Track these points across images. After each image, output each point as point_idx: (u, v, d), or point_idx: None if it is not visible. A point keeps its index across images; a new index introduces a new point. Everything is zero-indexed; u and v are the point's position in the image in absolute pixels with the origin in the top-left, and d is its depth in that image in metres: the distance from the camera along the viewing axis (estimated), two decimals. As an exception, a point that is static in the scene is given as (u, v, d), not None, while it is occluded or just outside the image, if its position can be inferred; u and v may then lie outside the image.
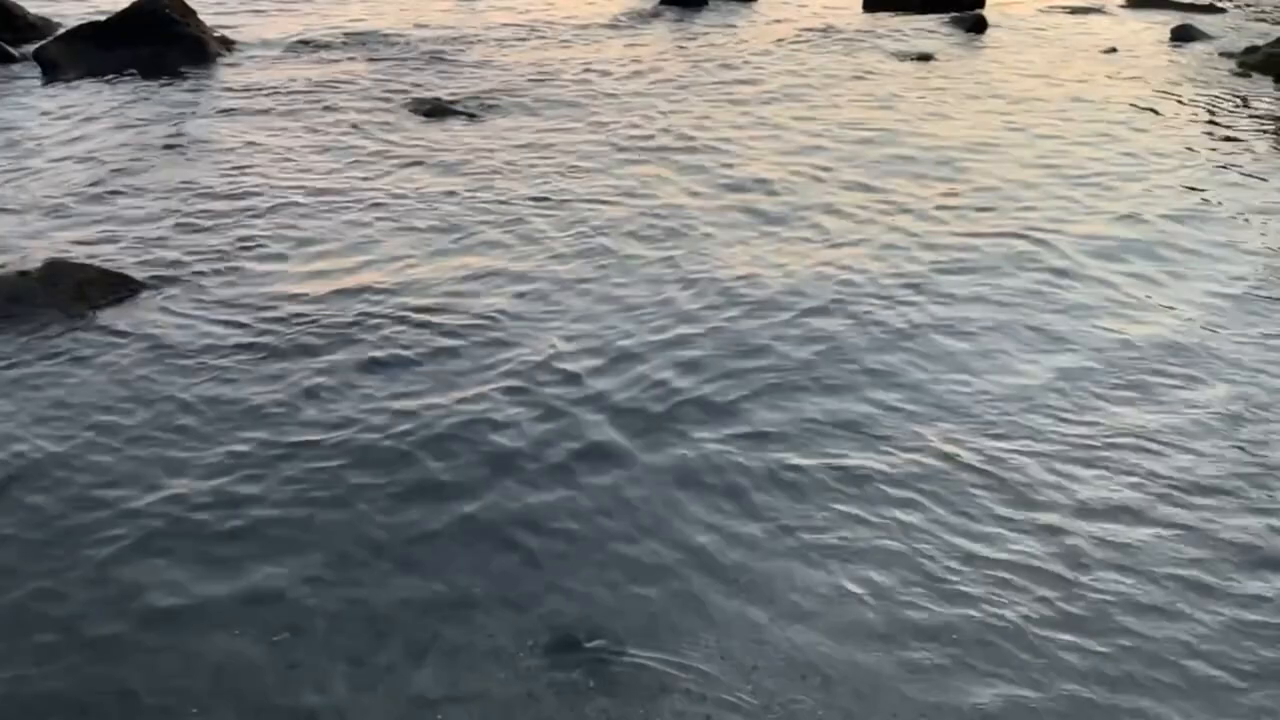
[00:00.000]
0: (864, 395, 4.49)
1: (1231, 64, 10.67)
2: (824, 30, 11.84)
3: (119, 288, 5.22)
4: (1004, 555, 3.58)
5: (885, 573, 3.46)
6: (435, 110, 8.53)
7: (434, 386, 4.45)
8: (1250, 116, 9.00)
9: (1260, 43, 11.09)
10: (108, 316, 5.00)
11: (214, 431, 4.09)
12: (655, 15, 12.61)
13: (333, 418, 4.20)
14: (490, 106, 8.71)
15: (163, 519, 3.61)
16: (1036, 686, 3.06)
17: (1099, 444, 4.19)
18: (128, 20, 9.99)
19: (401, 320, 5.00)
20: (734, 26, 11.96)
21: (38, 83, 9.25)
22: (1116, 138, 8.21)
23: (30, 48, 10.00)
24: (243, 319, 4.98)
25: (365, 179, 6.91)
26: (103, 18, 10.24)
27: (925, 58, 10.69)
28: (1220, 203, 6.93)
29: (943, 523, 3.71)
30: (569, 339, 4.86)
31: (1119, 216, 6.58)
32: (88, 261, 5.45)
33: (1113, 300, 5.49)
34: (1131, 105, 9.18)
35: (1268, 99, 9.53)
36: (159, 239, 5.89)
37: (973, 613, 3.31)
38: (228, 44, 10.66)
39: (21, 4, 11.16)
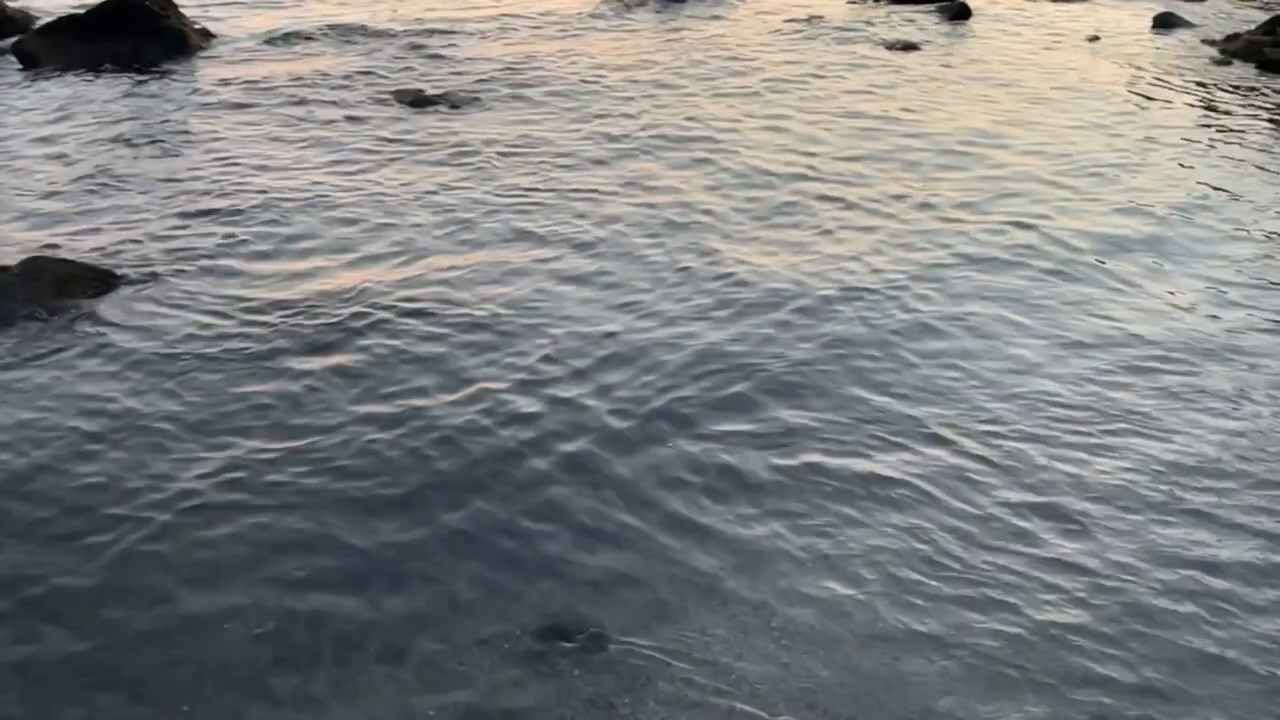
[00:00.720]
0: (858, 392, 4.45)
1: (1213, 51, 10.71)
2: (809, 20, 11.82)
3: (100, 283, 5.19)
4: (994, 552, 3.60)
5: (873, 566, 3.46)
6: (419, 102, 8.49)
7: (419, 382, 4.44)
8: (1235, 105, 9.05)
9: (1241, 30, 11.14)
10: (88, 312, 4.96)
11: (195, 431, 4.07)
12: (641, 4, 12.56)
13: (316, 416, 4.19)
14: (475, 98, 8.67)
15: (144, 519, 3.59)
16: (1020, 690, 3.09)
17: (1110, 441, 4.13)
18: (108, 13, 9.90)
19: (387, 317, 4.96)
20: (719, 18, 11.93)
21: (16, 76, 9.16)
22: (1106, 127, 8.23)
23: (8, 41, 9.90)
24: (225, 315, 4.96)
25: (349, 173, 6.87)
26: (82, 10, 10.14)
27: (912, 47, 10.70)
28: (1214, 190, 6.97)
29: (935, 519, 3.69)
30: (557, 335, 4.85)
31: (1117, 207, 6.58)
32: (68, 257, 5.41)
33: (1117, 292, 5.45)
34: (1118, 94, 9.20)
35: (1250, 86, 9.58)
36: (140, 234, 5.85)
37: (961, 608, 3.33)
38: (209, 36, 10.58)
39: (-2, -3, 11.06)
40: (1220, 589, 3.41)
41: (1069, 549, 3.56)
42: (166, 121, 7.92)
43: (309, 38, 10.72)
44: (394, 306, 5.05)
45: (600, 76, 9.35)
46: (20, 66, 9.41)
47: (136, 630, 3.15)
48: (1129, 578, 3.45)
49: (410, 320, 4.93)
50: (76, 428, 4.07)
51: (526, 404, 4.28)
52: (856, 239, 6.05)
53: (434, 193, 6.53)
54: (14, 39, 9.91)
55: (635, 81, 9.20)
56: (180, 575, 3.36)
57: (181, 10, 10.50)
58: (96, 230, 5.89)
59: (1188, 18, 12.09)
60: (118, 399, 4.26)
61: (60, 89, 8.76)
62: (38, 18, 10.83)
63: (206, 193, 6.47)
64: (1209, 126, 8.41)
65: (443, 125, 7.94)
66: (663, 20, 11.79)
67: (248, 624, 3.17)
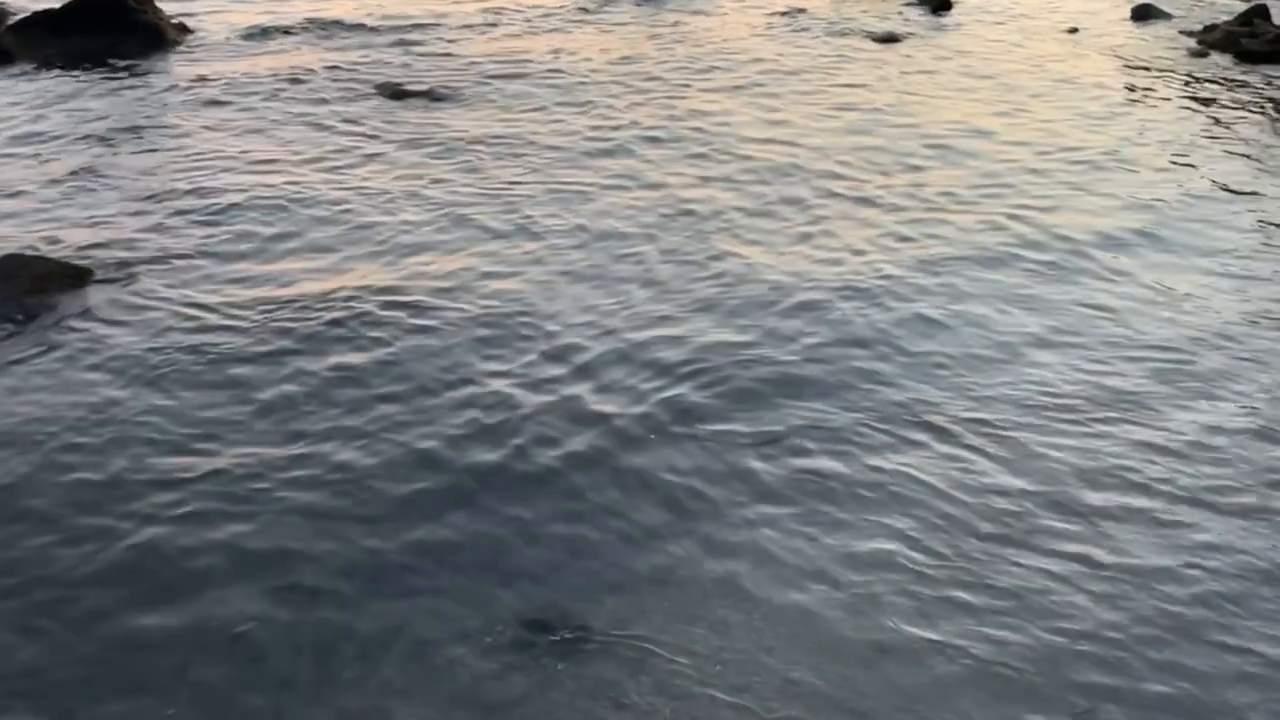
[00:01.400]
0: (850, 388, 4.42)
1: (1191, 42, 10.79)
2: (791, 14, 11.82)
3: (77, 281, 5.15)
4: (990, 548, 3.60)
5: (860, 561, 3.46)
6: (402, 97, 8.44)
7: (402, 379, 4.42)
8: (1215, 96, 9.11)
9: (1218, 21, 11.22)
10: (65, 310, 4.92)
11: (172, 432, 4.03)
12: (621, -1, 12.52)
13: (295, 415, 4.16)
14: (459, 93, 8.62)
15: (120, 516, 3.57)
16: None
17: (1113, 436, 4.12)
18: (83, 8, 9.79)
19: (371, 315, 4.91)
20: (702, 12, 11.89)
21: (-10, 73, 9.06)
22: (1091, 119, 8.25)
23: (-18, 37, 9.79)
24: (203, 314, 4.91)
25: (331, 170, 6.80)
26: (58, 5, 10.03)
27: (896, 39, 10.72)
28: (1204, 182, 7.01)
29: (927, 515, 3.68)
30: (545, 332, 4.81)
31: (1107, 198, 6.59)
32: (45, 254, 5.36)
33: (1113, 285, 5.45)
34: (1100, 86, 9.24)
35: (1228, 77, 9.65)
36: (118, 232, 5.80)
37: (950, 605, 3.34)
38: (186, 31, 10.49)
39: (-28, -8, 10.93)
40: (1234, 589, 3.40)
41: (1073, 549, 3.53)
42: (144, 118, 7.84)
43: (288, 32, 10.65)
44: (377, 304, 5.01)
45: (585, 71, 9.32)
46: (-6, 62, 9.30)
47: (112, 634, 3.13)
48: (1137, 578, 3.45)
49: (394, 316, 4.89)
50: (51, 430, 4.02)
51: (509, 401, 4.27)
52: (851, 233, 6.02)
53: (418, 189, 6.47)
54: (-12, 35, 9.80)
55: (621, 76, 9.17)
56: (156, 577, 3.33)
57: (158, 5, 10.41)
58: (73, 228, 5.84)
59: (1165, 8, 12.16)
60: (94, 399, 4.22)
61: (35, 85, 8.67)
62: (12, 13, 10.70)
63: (185, 190, 6.41)
64: (1191, 118, 8.46)
65: (426, 120, 7.89)
66: (645, 15, 11.76)
67: (226, 624, 3.15)
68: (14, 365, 4.46)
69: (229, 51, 9.92)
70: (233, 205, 6.16)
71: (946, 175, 6.97)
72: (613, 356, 4.62)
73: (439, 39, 10.53)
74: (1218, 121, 8.36)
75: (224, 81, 8.80)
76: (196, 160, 6.93)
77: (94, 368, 4.46)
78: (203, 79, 8.89)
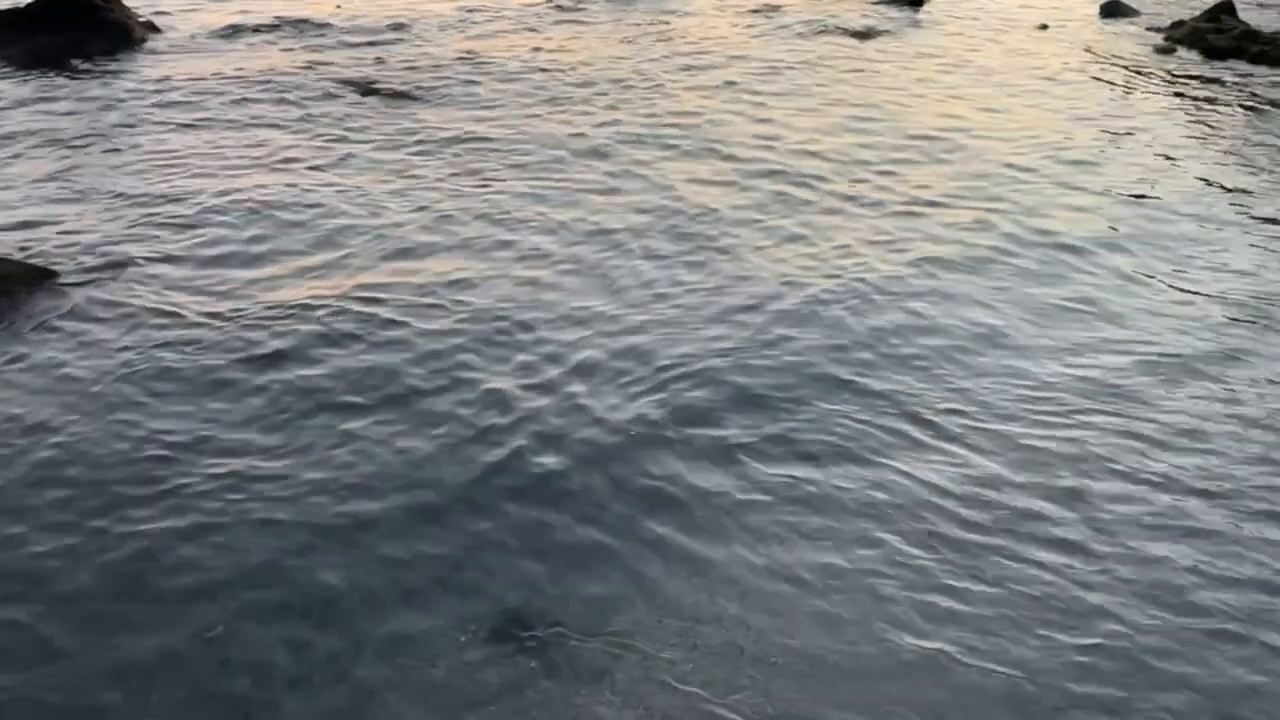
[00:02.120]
0: (833, 392, 4.38)
1: (1158, 39, 10.91)
2: (765, 11, 11.85)
3: (41, 282, 5.07)
4: (958, 550, 3.64)
5: (833, 563, 3.47)
6: (374, 98, 8.38)
7: (370, 383, 4.38)
8: (1184, 90, 9.21)
9: (1185, 17, 11.35)
10: (29, 311, 4.85)
11: (133, 438, 3.96)
12: (594, -3, 12.50)
13: (264, 418, 4.11)
14: (431, 94, 8.56)
15: (90, 515, 3.53)
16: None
17: (1114, 450, 4.08)
18: (49, 6, 9.67)
19: (343, 317, 4.86)
20: (674, 11, 11.89)
21: (-46, 72, 8.93)
22: (1069, 114, 8.34)
23: (-55, 36, 9.64)
24: (168, 319, 4.82)
25: (301, 172, 6.70)
26: (22, 3, 9.90)
27: (871, 36, 10.77)
28: (1177, 177, 7.10)
29: (907, 522, 3.68)
30: (520, 338, 4.76)
31: (1088, 193, 6.65)
32: (8, 255, 5.29)
33: (1108, 282, 5.47)
34: (1072, 83, 9.33)
35: (1196, 73, 9.77)
36: (84, 234, 5.72)
37: (925, 607, 3.36)
38: (154, 30, 10.38)
39: (-66, -10, 10.75)
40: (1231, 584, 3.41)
41: (1061, 563, 3.49)
42: (110, 118, 7.74)
43: (257, 31, 10.56)
44: (353, 309, 4.94)
45: (562, 70, 9.27)
46: (-43, 62, 9.17)
47: (82, 641, 3.09)
48: (1136, 586, 3.48)
49: (370, 320, 4.83)
50: (15, 424, 3.97)
51: (484, 403, 4.24)
52: (838, 234, 5.98)
53: (394, 191, 6.38)
54: (-49, 34, 9.65)
55: (598, 76, 9.11)
56: (126, 584, 3.29)
57: (125, 3, 10.28)
58: (38, 230, 5.75)
59: (1133, 4, 12.30)
60: (55, 404, 4.15)
61: None
62: (-24, 12, 10.56)
63: (152, 193, 6.32)
64: (1163, 113, 8.56)
65: (401, 120, 7.80)
66: (621, 14, 11.74)
67: (199, 624, 3.12)
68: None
69: (199, 50, 9.82)
70: (203, 208, 6.08)
71: (930, 173, 6.98)
72: (591, 359, 4.59)
73: (413, 38, 10.47)
74: (1189, 116, 8.46)
75: (193, 81, 8.71)
76: (164, 162, 6.85)
77: (54, 369, 4.39)
78: (171, 79, 8.79)
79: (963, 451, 4.03)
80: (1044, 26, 11.54)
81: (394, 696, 2.92)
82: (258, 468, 3.80)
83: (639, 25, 11.15)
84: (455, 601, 3.24)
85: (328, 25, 10.89)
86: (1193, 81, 9.45)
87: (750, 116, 8.07)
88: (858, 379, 4.50)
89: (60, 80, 8.70)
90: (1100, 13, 12.15)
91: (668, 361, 4.58)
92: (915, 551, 3.51)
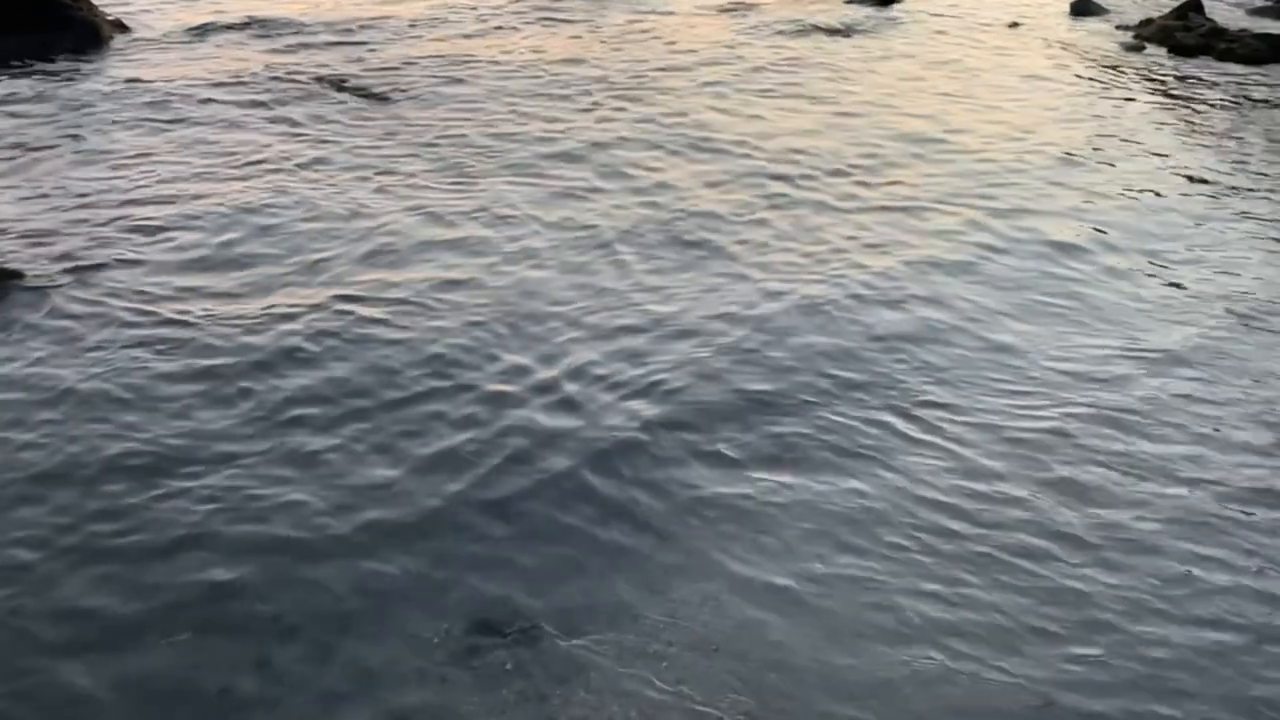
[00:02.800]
0: (817, 390, 4.38)
1: (1128, 37, 11.03)
2: (739, 10, 11.87)
3: (6, 283, 5.02)
4: (932, 558, 3.65)
5: (807, 566, 3.47)
6: (345, 99, 8.32)
7: (347, 384, 4.36)
8: (1153, 88, 9.32)
9: (1153, 15, 11.48)
10: (-4, 314, 4.80)
11: (101, 438, 3.93)
12: (569, -6, 12.46)
13: (232, 415, 4.09)
14: (405, 94, 8.47)
15: (55, 523, 3.49)
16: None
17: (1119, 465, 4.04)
18: (13, 4, 9.54)
19: (309, 317, 4.83)
20: (652, 10, 11.87)
21: (-83, 73, 8.79)
22: (1043, 112, 8.38)
23: (-92, 36, 9.48)
24: (140, 321, 4.77)
25: (272, 175, 6.60)
26: (-14, 3, 9.76)
27: (847, 34, 10.82)
28: (1155, 172, 7.18)
29: (893, 515, 3.68)
30: (498, 346, 4.70)
31: (1078, 195, 6.64)
32: (-26, 259, 5.23)
33: (1103, 280, 5.46)
34: (1044, 79, 9.39)
35: (1165, 69, 9.88)
36: (51, 235, 5.65)
37: (907, 600, 3.38)
38: (123, 29, 10.27)
39: (-103, -11, 10.56)
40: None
41: (1056, 567, 3.47)
42: (77, 118, 7.65)
43: (229, 29, 10.46)
44: (321, 313, 4.89)
45: (538, 69, 9.18)
46: (-79, 62, 9.03)
47: (46, 653, 3.06)
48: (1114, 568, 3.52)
49: (340, 329, 4.76)
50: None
51: (464, 409, 4.21)
52: (824, 237, 5.93)
53: (367, 194, 6.29)
54: (-86, 33, 9.50)
55: (576, 74, 9.02)
56: (92, 585, 3.27)
57: (94, 1, 10.16)
58: (3, 230, 5.67)
59: (1102, 2, 12.41)
60: (15, 410, 4.08)
61: (-36, 85, 8.43)
62: (-61, 11, 10.39)
63: (121, 195, 6.25)
64: (1134, 110, 8.64)
65: (374, 121, 7.72)
66: (596, 13, 11.72)
67: (163, 631, 3.10)
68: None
69: (169, 50, 9.72)
70: (174, 210, 6.01)
71: (915, 173, 6.95)
72: (570, 364, 4.54)
73: (388, 36, 10.40)
74: (1163, 113, 8.56)
75: (164, 81, 8.62)
76: (134, 163, 6.78)
77: (13, 376, 4.33)
78: (141, 78, 8.70)
79: (953, 454, 4.02)
80: (1015, 25, 11.63)
81: (362, 701, 2.90)
82: (227, 475, 3.78)
83: (617, 24, 11.13)
84: (426, 604, 3.23)
85: (301, 24, 10.80)
86: (1166, 80, 9.55)
87: (731, 115, 8.03)
88: (846, 382, 4.47)
89: (26, 80, 8.59)
90: (1070, 10, 12.26)
91: (649, 366, 4.56)
92: (900, 554, 3.51)
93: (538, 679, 3.00)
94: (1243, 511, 3.78)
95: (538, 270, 5.40)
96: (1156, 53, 10.49)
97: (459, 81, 8.75)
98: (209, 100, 8.12)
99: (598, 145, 7.22)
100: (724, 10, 11.91)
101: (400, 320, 4.84)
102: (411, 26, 10.84)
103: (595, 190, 6.47)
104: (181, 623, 3.14)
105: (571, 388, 4.38)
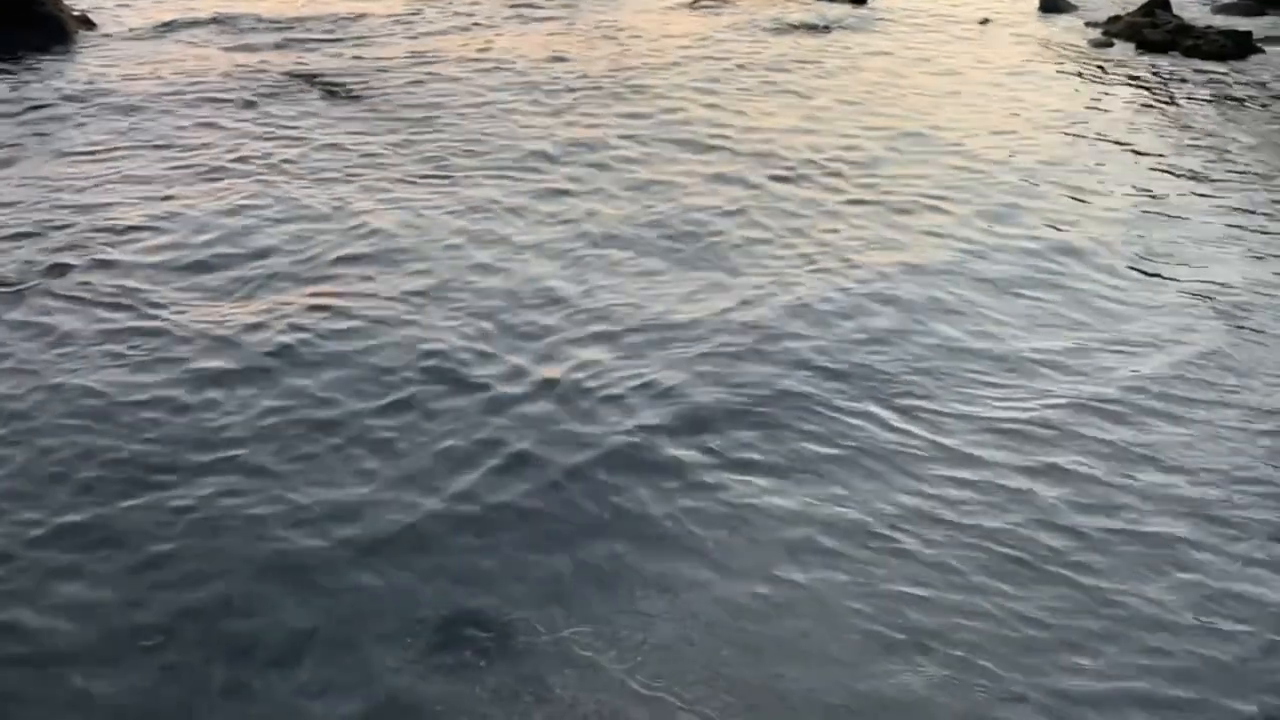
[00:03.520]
0: (794, 411, 4.26)
1: (1096, 33, 11.15)
2: (711, 8, 11.90)
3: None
4: (928, 543, 3.69)
5: (783, 562, 3.46)
6: (317, 96, 8.27)
7: (323, 385, 4.33)
8: (1129, 85, 9.42)
9: (1121, 12, 11.61)
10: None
11: (70, 441, 3.88)
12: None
13: (205, 419, 4.06)
14: (378, 93, 8.40)
15: (16, 536, 3.45)
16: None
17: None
18: (-23, 1, 9.42)
19: (285, 322, 4.77)
20: (623, 7, 11.88)
21: (-121, 70, 8.65)
22: (1022, 107, 8.45)
23: None
24: (106, 326, 4.70)
25: (243, 174, 6.52)
26: (-50, -1, 9.62)
27: (823, 32, 10.87)
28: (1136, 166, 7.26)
29: (866, 513, 3.66)
30: (476, 344, 4.67)
31: (1066, 194, 6.66)
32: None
33: (1097, 280, 5.45)
34: (1020, 78, 9.45)
35: (1134, 66, 10.00)
36: (17, 236, 5.58)
37: (881, 597, 3.39)
38: (90, 25, 10.15)
39: None
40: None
41: (1049, 581, 3.41)
42: (44, 116, 7.55)
43: (198, 26, 10.38)
44: (296, 318, 4.83)
45: (515, 67, 9.12)
46: (-118, 59, 8.89)
47: (18, 650, 3.04)
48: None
49: (312, 334, 4.69)
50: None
51: (444, 410, 4.18)
52: (813, 236, 5.90)
53: (337, 195, 6.19)
54: (-125, 30, 9.35)
55: (553, 73, 8.96)
56: (61, 589, 3.24)
57: (60, -3, 10.05)
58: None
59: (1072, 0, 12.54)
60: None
61: (-73, 83, 8.31)
62: (-99, 7, 10.22)
63: (85, 192, 6.18)
64: (1106, 106, 8.73)
65: (346, 120, 7.64)
66: (569, 10, 11.70)
67: (133, 635, 3.08)
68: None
69: (137, 47, 9.62)
70: (141, 212, 5.91)
71: (900, 172, 6.91)
72: (550, 371, 4.50)
73: (360, 34, 10.33)
74: (1135, 110, 8.65)
75: (131, 80, 8.53)
76: (100, 163, 6.69)
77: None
78: (108, 76, 8.61)
79: (952, 455, 3.99)
80: (986, 21, 11.73)
81: (336, 699, 2.89)
82: (188, 476, 3.75)
83: (593, 22, 11.11)
84: (399, 601, 3.22)
85: (271, 20, 10.72)
86: (1139, 76, 9.65)
87: (715, 112, 8.02)
88: (836, 383, 4.43)
89: (-9, 78, 8.48)
90: (1039, 7, 12.37)
91: (637, 367, 4.51)
92: (891, 557, 3.49)
93: (510, 677, 2.99)
94: (1241, 498, 3.79)
95: (516, 274, 5.33)
96: (1125, 49, 10.62)
97: (435, 79, 8.69)
98: (180, 98, 8.04)
99: (579, 144, 7.19)
100: (699, 7, 11.94)
101: (381, 323, 4.79)
102: (386, 23, 10.78)
103: (579, 189, 6.44)
104: (148, 620, 3.11)
105: (550, 393, 4.34)
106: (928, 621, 3.22)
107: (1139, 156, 7.46)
